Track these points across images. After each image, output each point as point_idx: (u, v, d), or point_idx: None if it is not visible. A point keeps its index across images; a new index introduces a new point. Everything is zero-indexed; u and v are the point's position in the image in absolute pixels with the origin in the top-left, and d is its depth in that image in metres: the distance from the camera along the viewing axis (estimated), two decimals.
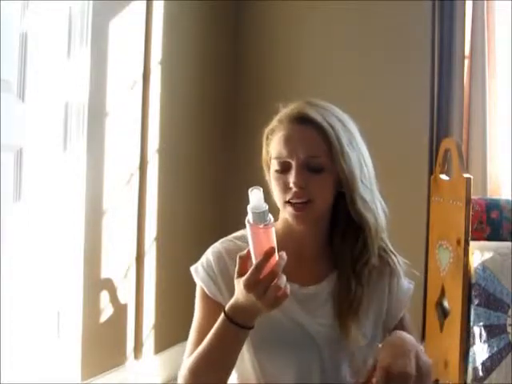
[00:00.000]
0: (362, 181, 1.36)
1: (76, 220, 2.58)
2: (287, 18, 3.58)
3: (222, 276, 1.38)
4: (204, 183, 3.45)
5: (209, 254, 1.42)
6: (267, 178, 1.45)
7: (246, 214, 1.19)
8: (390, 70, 3.42)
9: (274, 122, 1.40)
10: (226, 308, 1.25)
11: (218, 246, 1.43)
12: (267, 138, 1.42)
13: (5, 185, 2.24)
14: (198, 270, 1.42)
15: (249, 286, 1.18)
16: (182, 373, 1.34)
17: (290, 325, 1.35)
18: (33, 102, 2.34)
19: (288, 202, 1.34)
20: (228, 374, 1.31)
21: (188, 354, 1.37)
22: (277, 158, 1.36)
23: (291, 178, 1.33)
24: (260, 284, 1.17)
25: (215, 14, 3.48)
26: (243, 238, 1.42)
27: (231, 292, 1.32)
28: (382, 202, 1.41)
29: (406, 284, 1.48)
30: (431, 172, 3.08)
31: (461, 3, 3.30)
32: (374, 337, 1.41)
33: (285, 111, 1.40)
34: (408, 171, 3.37)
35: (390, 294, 1.42)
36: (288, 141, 1.35)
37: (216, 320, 1.29)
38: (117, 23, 2.76)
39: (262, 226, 1.18)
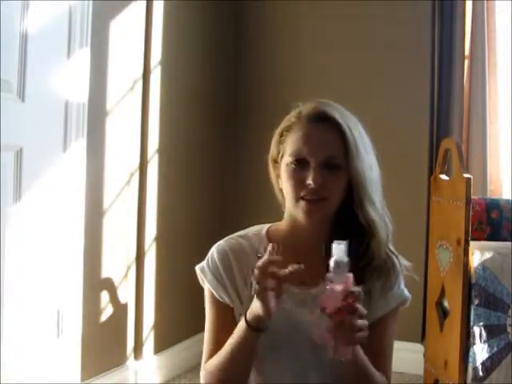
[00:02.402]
0: (371, 183, 1.37)
1: (76, 220, 2.58)
2: (287, 17, 3.58)
3: (227, 274, 1.41)
4: (204, 183, 3.45)
5: (214, 253, 1.43)
6: (272, 175, 1.45)
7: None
8: (389, 69, 3.42)
9: (292, 119, 1.40)
10: (247, 315, 1.29)
11: (222, 243, 1.45)
12: (281, 135, 1.41)
13: (5, 185, 2.24)
14: (204, 271, 1.43)
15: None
16: (205, 373, 1.39)
17: (290, 326, 1.35)
18: (33, 101, 2.34)
19: (301, 198, 1.35)
20: (249, 371, 1.37)
21: (206, 354, 1.41)
22: (295, 155, 1.36)
23: (310, 175, 1.33)
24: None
25: (215, 14, 3.48)
26: (247, 237, 1.45)
27: (235, 289, 1.38)
28: (385, 208, 1.42)
29: (402, 292, 1.46)
30: (431, 172, 3.07)
31: (461, 3, 3.30)
32: None
33: (301, 110, 1.40)
34: (408, 171, 3.37)
35: (382, 290, 1.41)
36: (308, 140, 1.35)
37: (227, 320, 1.37)
38: (117, 23, 2.76)
39: None
